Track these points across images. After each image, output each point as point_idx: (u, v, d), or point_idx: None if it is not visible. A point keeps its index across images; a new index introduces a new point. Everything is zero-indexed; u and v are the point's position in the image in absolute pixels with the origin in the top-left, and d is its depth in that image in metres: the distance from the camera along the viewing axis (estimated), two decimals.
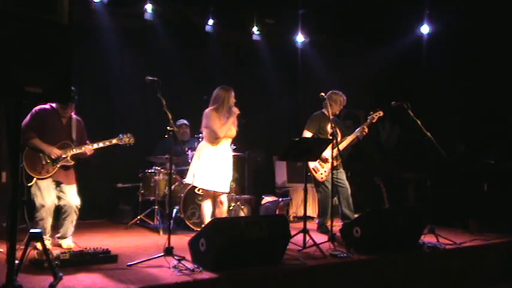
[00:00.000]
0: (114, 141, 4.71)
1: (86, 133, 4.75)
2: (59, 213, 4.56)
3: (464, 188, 6.42)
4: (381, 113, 5.70)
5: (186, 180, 5.15)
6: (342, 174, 5.76)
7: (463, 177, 6.56)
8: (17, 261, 2.85)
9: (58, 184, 4.52)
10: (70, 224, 4.55)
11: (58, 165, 4.44)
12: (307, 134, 5.69)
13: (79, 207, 4.57)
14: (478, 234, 5.47)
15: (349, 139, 5.69)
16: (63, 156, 4.45)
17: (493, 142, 6.82)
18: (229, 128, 4.95)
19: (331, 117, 5.21)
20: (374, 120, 5.71)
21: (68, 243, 4.51)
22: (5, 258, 2.85)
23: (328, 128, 5.43)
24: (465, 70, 7.27)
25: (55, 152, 4.40)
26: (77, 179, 4.66)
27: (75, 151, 4.51)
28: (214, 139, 4.95)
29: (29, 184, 4.32)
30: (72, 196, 4.54)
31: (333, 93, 5.72)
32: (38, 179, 4.37)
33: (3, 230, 4.63)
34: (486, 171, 6.26)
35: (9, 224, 2.79)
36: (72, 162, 4.53)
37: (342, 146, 5.60)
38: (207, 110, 4.99)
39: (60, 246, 4.48)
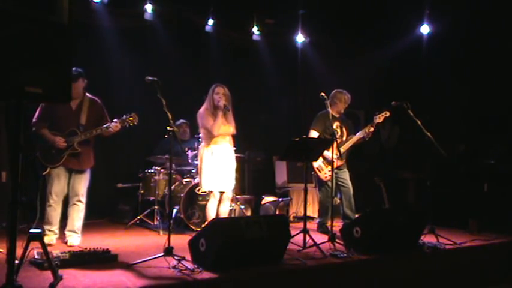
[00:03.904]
0: (116, 123, 4.68)
1: (105, 112, 4.85)
2: (66, 207, 4.67)
3: (464, 188, 6.41)
4: (387, 113, 5.61)
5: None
6: (345, 174, 5.74)
7: (463, 177, 6.56)
8: (17, 261, 2.85)
9: (70, 172, 4.63)
10: (76, 214, 4.62)
11: (65, 154, 4.51)
12: (314, 133, 5.66)
13: (83, 195, 4.64)
14: (478, 234, 5.48)
15: (354, 139, 5.66)
16: (69, 144, 4.50)
17: (493, 142, 6.82)
18: (224, 124, 4.93)
19: (332, 116, 5.17)
20: (380, 121, 5.62)
21: (72, 241, 4.55)
22: (5, 258, 2.84)
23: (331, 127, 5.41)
24: (465, 70, 7.26)
25: (58, 143, 4.45)
26: (93, 164, 4.74)
27: (80, 138, 4.55)
28: (210, 138, 4.96)
29: (44, 173, 4.48)
30: (76, 183, 4.63)
31: (337, 92, 5.73)
32: (51, 168, 4.50)
33: (3, 230, 4.64)
34: (486, 171, 6.26)
35: (9, 224, 2.79)
36: (79, 150, 4.56)
37: (346, 146, 5.59)
38: (200, 110, 5.03)
39: (66, 243, 4.55)
